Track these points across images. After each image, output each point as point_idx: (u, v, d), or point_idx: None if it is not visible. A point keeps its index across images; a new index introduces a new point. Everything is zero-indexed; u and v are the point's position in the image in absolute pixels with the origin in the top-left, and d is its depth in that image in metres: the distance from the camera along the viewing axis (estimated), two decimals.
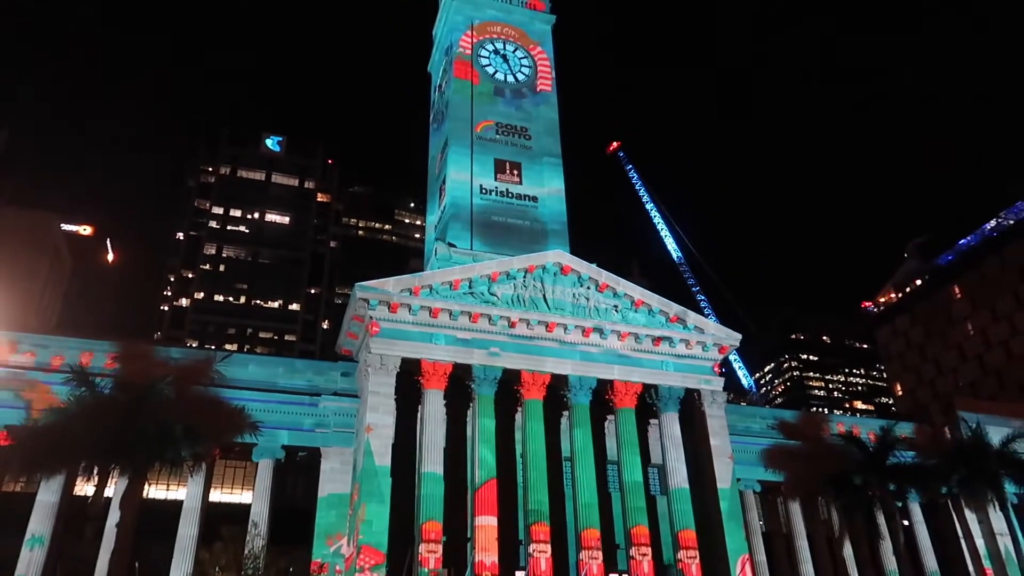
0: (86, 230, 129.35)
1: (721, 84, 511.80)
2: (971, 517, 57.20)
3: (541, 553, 41.55)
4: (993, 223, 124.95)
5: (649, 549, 44.15)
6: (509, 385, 46.50)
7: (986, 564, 55.67)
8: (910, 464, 50.84)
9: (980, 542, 56.81)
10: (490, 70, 63.05)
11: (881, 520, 52.00)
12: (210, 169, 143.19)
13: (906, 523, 54.25)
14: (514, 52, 65.04)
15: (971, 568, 55.70)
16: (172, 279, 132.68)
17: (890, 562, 51.76)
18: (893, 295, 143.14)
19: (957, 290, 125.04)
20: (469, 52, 62.85)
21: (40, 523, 38.53)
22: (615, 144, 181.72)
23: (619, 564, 46.39)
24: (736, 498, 48.30)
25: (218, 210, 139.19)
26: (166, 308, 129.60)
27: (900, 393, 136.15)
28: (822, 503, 54.87)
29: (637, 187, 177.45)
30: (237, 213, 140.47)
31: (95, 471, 35.96)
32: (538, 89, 63.65)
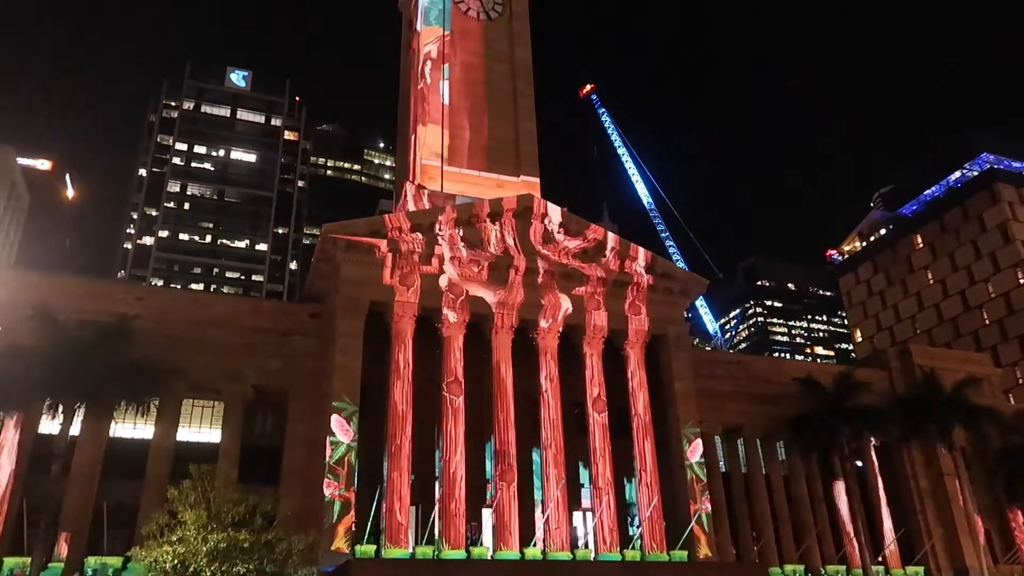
0: (44, 164, 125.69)
1: (692, 31, 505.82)
2: (921, 460, 59.60)
3: (507, 491, 42.43)
4: (958, 174, 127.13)
5: (612, 489, 45.33)
6: (479, 327, 46.74)
7: (934, 503, 58.18)
8: (865, 407, 52.47)
9: (926, 483, 59.17)
10: (463, 7, 61.56)
11: (836, 461, 53.89)
12: (173, 104, 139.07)
13: (859, 464, 56.22)
14: None
15: (917, 506, 58.14)
16: (135, 217, 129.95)
17: (842, 500, 53.79)
18: (857, 244, 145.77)
19: (919, 240, 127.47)
20: None
21: (4, 461, 38.28)
22: (589, 87, 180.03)
23: (583, 502, 47.77)
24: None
25: (182, 146, 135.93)
26: (129, 246, 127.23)
27: (860, 339, 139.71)
28: (780, 445, 56.61)
29: (609, 131, 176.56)
30: (202, 150, 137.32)
31: (60, 408, 35.74)
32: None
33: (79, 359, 34.80)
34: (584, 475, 47.98)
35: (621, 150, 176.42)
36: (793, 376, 56.38)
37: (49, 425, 38.63)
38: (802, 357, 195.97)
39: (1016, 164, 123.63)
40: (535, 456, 46.54)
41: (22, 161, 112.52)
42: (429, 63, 58.36)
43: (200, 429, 45.19)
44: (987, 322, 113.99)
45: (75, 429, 37.88)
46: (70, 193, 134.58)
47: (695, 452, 48.37)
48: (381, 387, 44.21)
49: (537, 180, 56.44)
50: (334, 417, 41.13)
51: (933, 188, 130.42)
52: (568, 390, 48.55)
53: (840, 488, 53.98)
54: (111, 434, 41.45)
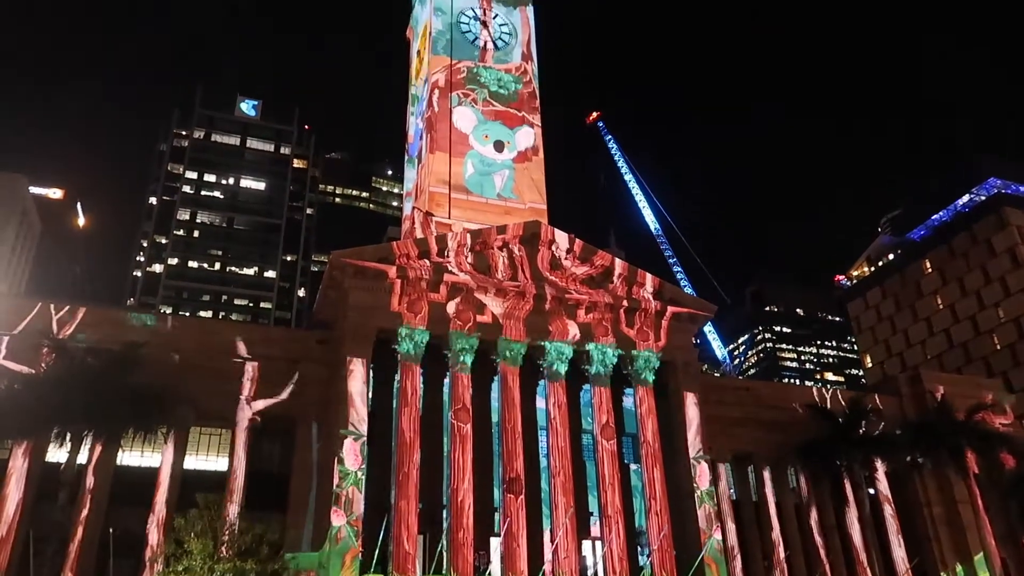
0: (56, 193, 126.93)
1: (700, 58, 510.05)
2: (934, 487, 58.82)
3: (515, 519, 42.06)
4: (965, 199, 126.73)
5: (621, 517, 44.89)
6: (486, 354, 46.68)
7: (948, 531, 57.31)
8: (877, 435, 52.02)
9: (939, 510, 58.37)
10: (470, 36, 62.39)
11: (848, 488, 53.26)
12: (184, 133, 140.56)
13: (872, 491, 55.58)
14: (495, 18, 64.23)
15: (931, 534, 57.28)
16: (145, 244, 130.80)
17: (855, 528, 53.06)
18: (866, 269, 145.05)
19: (928, 264, 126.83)
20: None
21: (12, 489, 38.22)
22: (595, 114, 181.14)
23: (592, 531, 47.27)
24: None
25: (192, 175, 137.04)
26: (139, 274, 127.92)
27: (870, 365, 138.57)
28: (791, 472, 56.02)
29: (616, 158, 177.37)
30: (212, 178, 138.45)
31: (67, 437, 35.77)
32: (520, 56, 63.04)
33: (88, 387, 34.93)
34: (593, 503, 47.53)
35: (628, 176, 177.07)
36: (803, 402, 55.99)
37: (57, 453, 38.61)
38: (812, 383, 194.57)
39: None
40: (543, 484, 46.18)
41: (34, 190, 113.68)
42: (437, 91, 59.01)
43: (208, 457, 45.06)
44: (998, 347, 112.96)
45: (82, 457, 37.86)
46: (81, 221, 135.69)
47: (705, 480, 47.93)
48: (388, 414, 44.09)
49: (544, 206, 56.74)
50: (343, 444, 40.97)
51: (941, 213, 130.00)
52: (576, 416, 48.31)
53: (852, 516, 53.29)
54: (118, 462, 41.39)
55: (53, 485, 36.04)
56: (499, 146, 58.14)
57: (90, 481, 39.12)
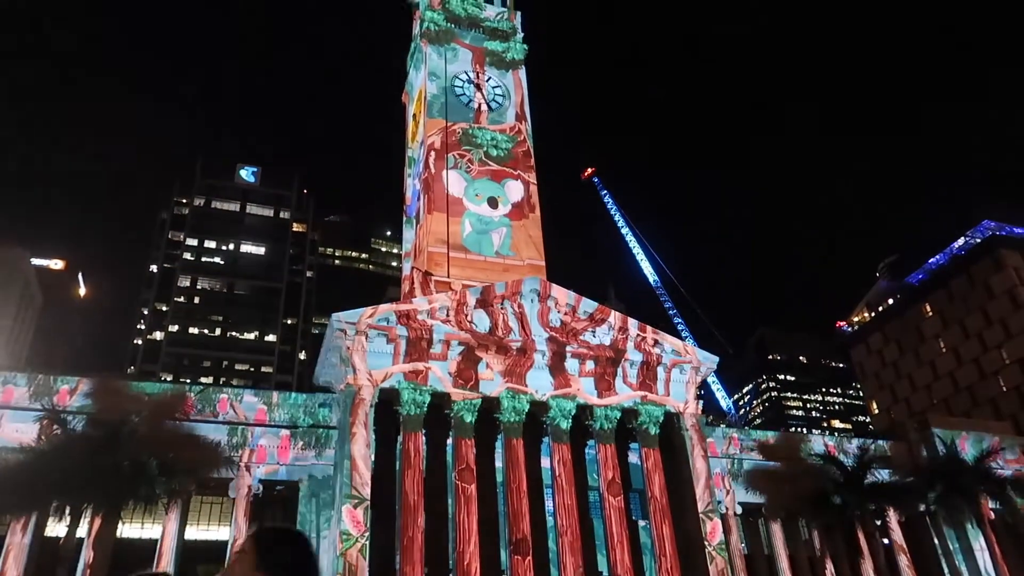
0: (57, 264, 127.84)
1: (692, 109, 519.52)
2: (950, 534, 57.71)
3: None
4: (961, 242, 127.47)
5: (631, 575, 43.93)
6: (489, 412, 46.37)
7: None
8: (888, 483, 51.26)
9: (959, 558, 57.17)
10: (464, 99, 63.75)
11: (861, 538, 52.21)
12: (184, 201, 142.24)
13: (886, 541, 54.50)
14: (488, 80, 65.76)
15: None
16: (145, 312, 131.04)
17: None
18: (866, 314, 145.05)
19: (928, 308, 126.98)
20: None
21: (10, 565, 37.53)
22: (590, 170, 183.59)
23: None
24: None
25: (192, 242, 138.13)
26: (139, 342, 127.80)
27: (876, 411, 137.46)
28: (802, 523, 55.02)
29: (612, 212, 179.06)
30: (212, 244, 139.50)
31: (67, 511, 35.23)
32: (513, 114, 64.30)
33: (87, 460, 34.52)
34: (602, 562, 46.54)
35: (624, 230, 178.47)
36: (811, 451, 55.34)
37: (56, 527, 38.01)
38: (819, 431, 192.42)
39: (1018, 230, 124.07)
40: (551, 543, 45.33)
41: (35, 262, 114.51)
42: (433, 153, 59.99)
43: (208, 527, 44.37)
44: (1004, 389, 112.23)
45: (82, 531, 37.27)
46: (82, 291, 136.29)
47: (715, 534, 47.10)
48: (390, 476, 43.52)
49: (543, 263, 57.10)
50: (345, 510, 40.41)
51: (937, 256, 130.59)
52: (582, 474, 47.71)
53: (868, 567, 52.10)
54: (118, 535, 40.70)
55: (52, 560, 35.37)
56: (493, 202, 58.82)
57: (90, 555, 38.40)
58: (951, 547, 57.50)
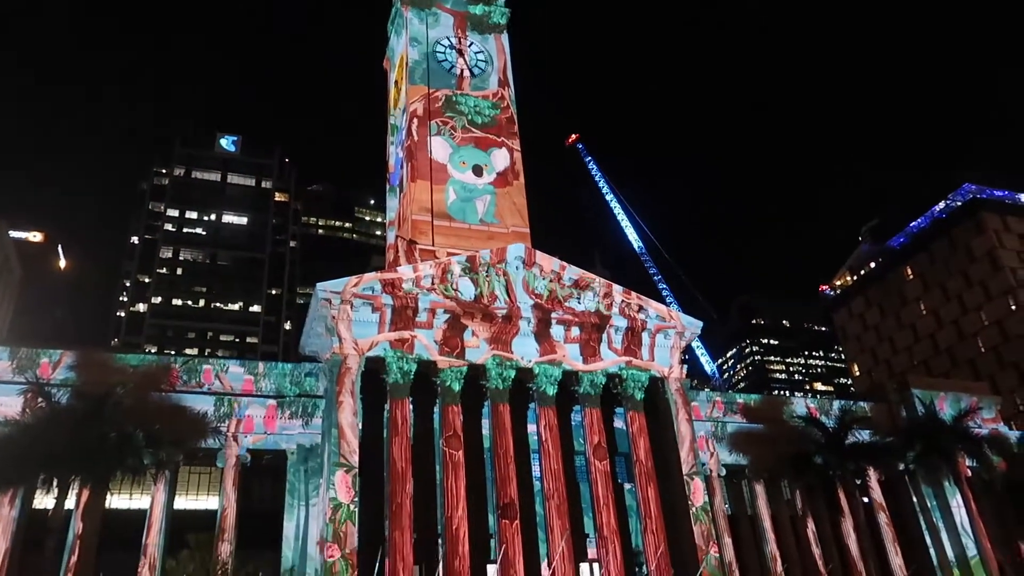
0: (36, 236, 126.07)
1: (674, 72, 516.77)
2: (928, 492, 58.96)
3: (511, 545, 41.77)
4: (942, 205, 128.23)
5: (617, 538, 44.70)
6: (475, 379, 46.60)
7: (943, 536, 57.42)
8: (868, 443, 52.14)
9: (936, 515, 58.49)
10: (446, 65, 63.00)
11: (842, 498, 53.28)
12: (164, 171, 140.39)
13: (866, 500, 55.63)
14: (470, 46, 64.94)
15: (928, 540, 57.37)
16: (128, 284, 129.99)
17: (851, 539, 53.02)
18: (848, 278, 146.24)
19: (909, 271, 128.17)
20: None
21: None
22: (574, 136, 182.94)
23: (589, 553, 46.98)
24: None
25: (173, 213, 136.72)
26: (122, 314, 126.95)
27: (857, 373, 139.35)
28: (785, 484, 55.98)
29: (596, 178, 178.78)
30: (193, 215, 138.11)
31: (54, 483, 35.23)
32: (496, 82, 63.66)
33: (73, 432, 34.45)
34: (589, 525, 47.27)
35: (609, 196, 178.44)
36: (793, 414, 56.13)
37: (44, 500, 38.03)
38: (801, 394, 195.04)
39: (998, 192, 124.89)
40: (538, 508, 45.95)
41: (14, 234, 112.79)
42: (416, 120, 59.44)
43: (197, 497, 44.55)
44: (983, 350, 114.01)
45: (70, 502, 37.32)
46: (62, 264, 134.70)
47: (699, 496, 47.88)
48: (377, 443, 43.81)
49: (527, 230, 57.04)
50: (338, 475, 40.65)
51: (919, 220, 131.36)
52: (568, 438, 48.18)
53: (848, 526, 53.27)
54: (107, 506, 40.81)
55: (41, 532, 35.44)
56: (478, 170, 58.52)
57: (79, 527, 38.53)
58: (929, 504, 58.71)
